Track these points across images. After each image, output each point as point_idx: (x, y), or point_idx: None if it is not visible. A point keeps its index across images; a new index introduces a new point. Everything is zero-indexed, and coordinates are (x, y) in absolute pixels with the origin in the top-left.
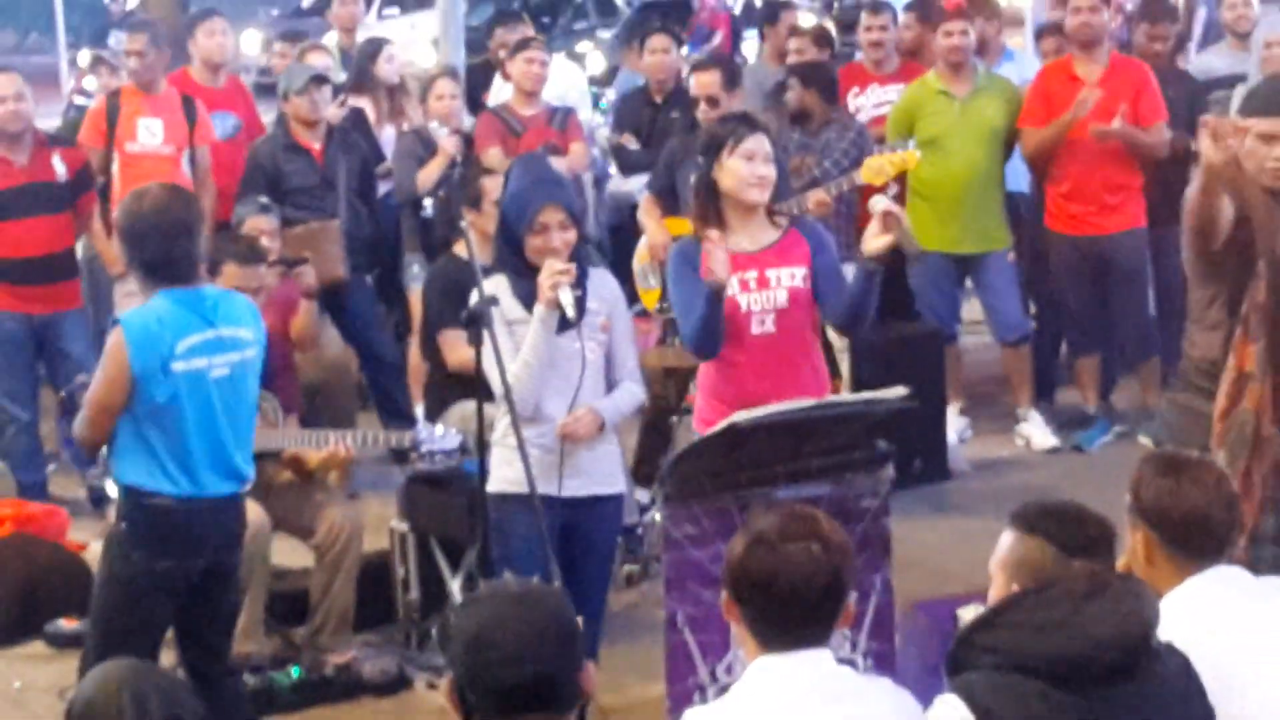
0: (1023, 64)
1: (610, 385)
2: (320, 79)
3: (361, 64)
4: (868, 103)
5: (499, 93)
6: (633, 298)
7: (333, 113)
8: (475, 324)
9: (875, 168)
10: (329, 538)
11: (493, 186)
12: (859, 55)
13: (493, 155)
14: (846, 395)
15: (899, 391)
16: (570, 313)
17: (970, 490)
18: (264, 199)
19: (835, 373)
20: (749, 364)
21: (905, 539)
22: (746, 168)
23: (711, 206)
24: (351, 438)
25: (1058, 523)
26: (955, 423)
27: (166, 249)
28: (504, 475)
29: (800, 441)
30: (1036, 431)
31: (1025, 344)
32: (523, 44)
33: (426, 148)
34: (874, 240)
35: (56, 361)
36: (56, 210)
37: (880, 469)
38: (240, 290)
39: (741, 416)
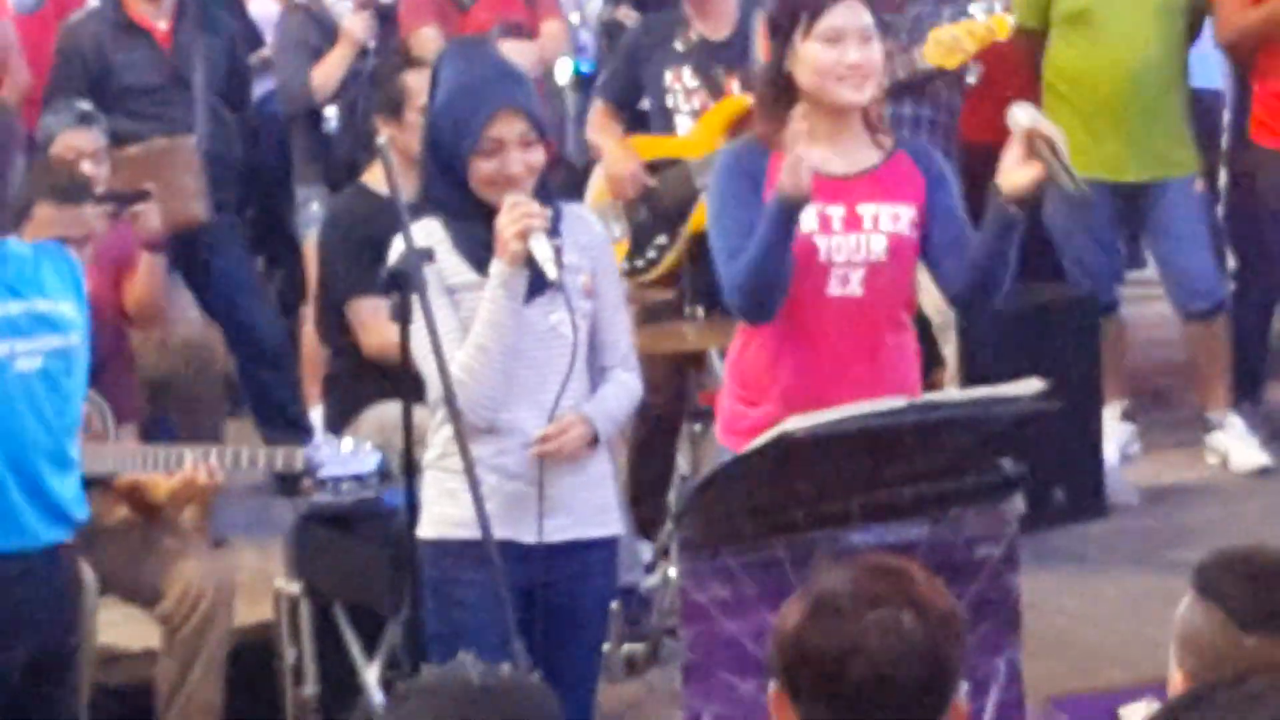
0: None
1: (596, 377)
2: None
3: None
4: None
5: None
6: None
7: None
8: (401, 289)
9: (947, 42)
10: (183, 605)
11: (420, 85)
12: None
13: (426, 38)
14: (954, 392)
15: (1033, 386)
16: (550, 271)
17: (1137, 533)
18: (84, 104)
19: (935, 360)
20: (818, 339)
21: (1041, 605)
22: (830, 53)
23: (783, 105)
24: (216, 456)
25: (1236, 581)
26: (1116, 432)
27: None
28: (445, 513)
29: (885, 461)
30: (1237, 445)
31: (1220, 317)
32: None
33: (324, 31)
34: (1015, 172)
35: None
36: None
37: (1004, 502)
38: (56, 240)
39: (796, 423)
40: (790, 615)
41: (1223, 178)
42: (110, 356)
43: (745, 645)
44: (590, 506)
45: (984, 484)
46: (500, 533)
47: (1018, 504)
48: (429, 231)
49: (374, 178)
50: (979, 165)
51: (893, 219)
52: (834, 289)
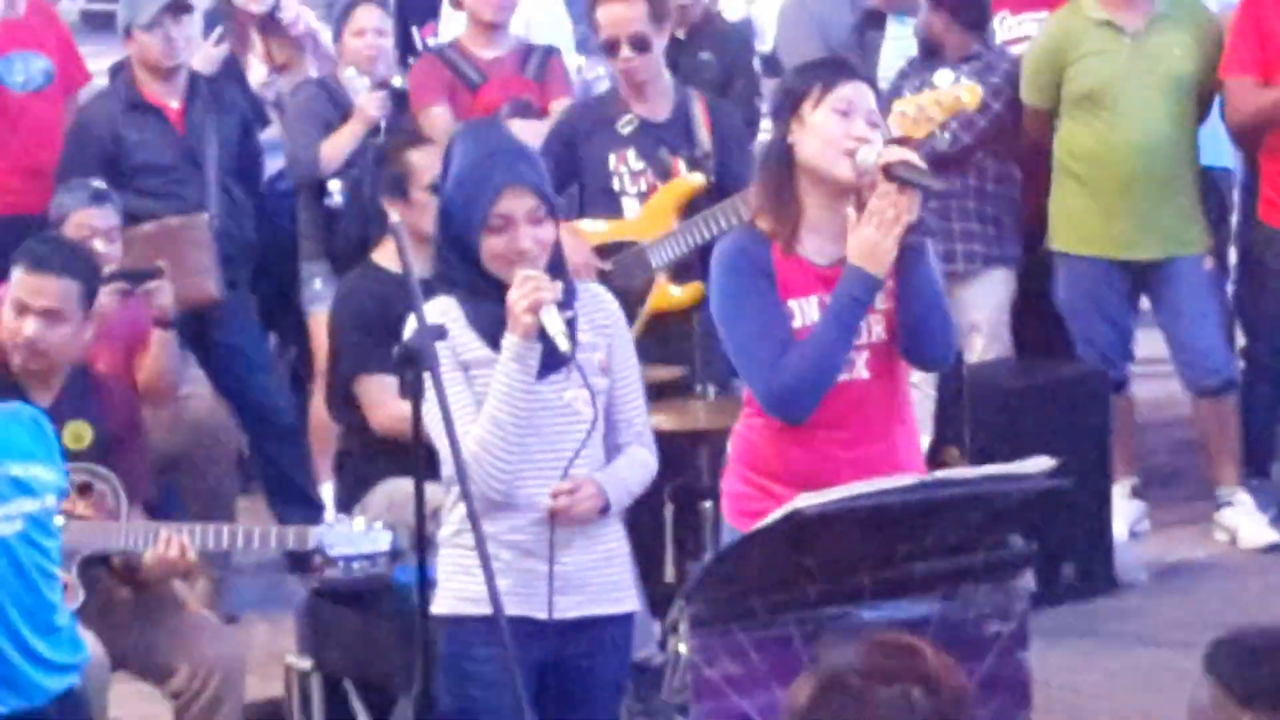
0: None
1: (611, 455)
2: (178, 6)
3: None
4: (995, 39)
5: (448, 26)
6: None
7: (204, 56)
8: (413, 367)
9: (913, 112)
10: (194, 681)
11: (425, 163)
12: None
13: (437, 117)
14: (964, 470)
15: (1042, 464)
16: (562, 344)
17: (1147, 609)
18: (97, 183)
19: (946, 437)
20: (826, 424)
21: (1052, 681)
22: (841, 124)
23: (786, 188)
24: (229, 536)
25: (1236, 658)
26: (1126, 509)
27: None
28: (459, 589)
29: (896, 538)
30: (1246, 521)
31: (1230, 393)
32: None
33: (337, 106)
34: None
35: None
36: None
37: (1015, 579)
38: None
39: (808, 500)
40: (801, 692)
41: (1232, 255)
42: (123, 434)
43: None
44: (603, 583)
45: (994, 561)
46: (513, 609)
47: (1028, 581)
48: (444, 309)
49: (384, 255)
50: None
51: (885, 295)
52: (841, 375)
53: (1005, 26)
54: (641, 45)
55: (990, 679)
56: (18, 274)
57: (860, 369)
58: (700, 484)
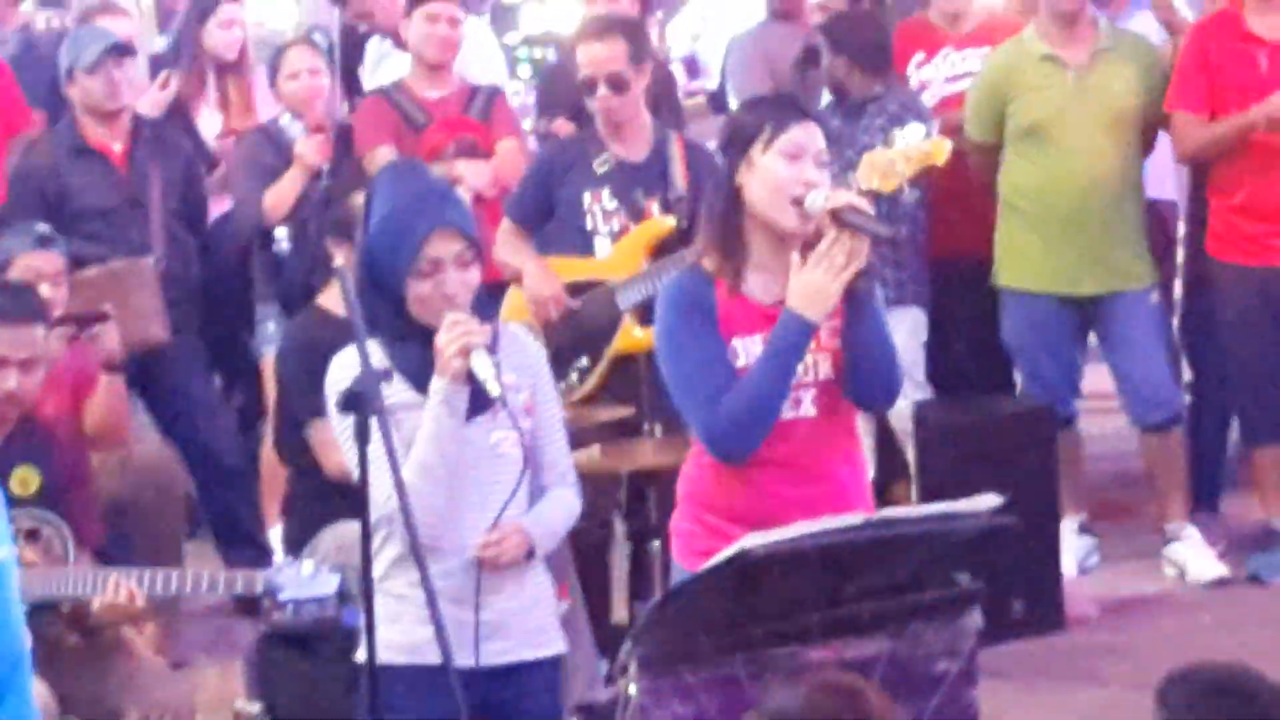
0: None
1: (535, 495)
2: (121, 49)
3: (186, 29)
4: (938, 75)
5: (383, 66)
6: None
7: (151, 100)
8: (359, 410)
9: (882, 165)
10: None
11: None
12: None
13: (382, 158)
14: (911, 509)
15: (989, 501)
16: (492, 389)
17: (1097, 646)
18: (42, 227)
19: (898, 473)
20: (777, 461)
21: (1000, 718)
22: (789, 169)
23: (732, 228)
24: (177, 581)
25: (1183, 693)
26: (1074, 545)
27: None
28: (386, 638)
29: (843, 577)
30: (1194, 556)
31: (1176, 428)
32: None
33: (279, 152)
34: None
35: None
36: None
37: (962, 616)
38: (5, 363)
39: (755, 541)
40: None
41: (1178, 289)
42: (71, 479)
43: None
44: (528, 628)
45: (942, 599)
46: (436, 657)
47: (976, 618)
48: (353, 356)
49: (329, 300)
50: (944, 279)
51: (832, 334)
52: (787, 413)
53: (949, 62)
54: (619, 86)
55: (938, 718)
56: None
57: (807, 407)
58: (649, 524)
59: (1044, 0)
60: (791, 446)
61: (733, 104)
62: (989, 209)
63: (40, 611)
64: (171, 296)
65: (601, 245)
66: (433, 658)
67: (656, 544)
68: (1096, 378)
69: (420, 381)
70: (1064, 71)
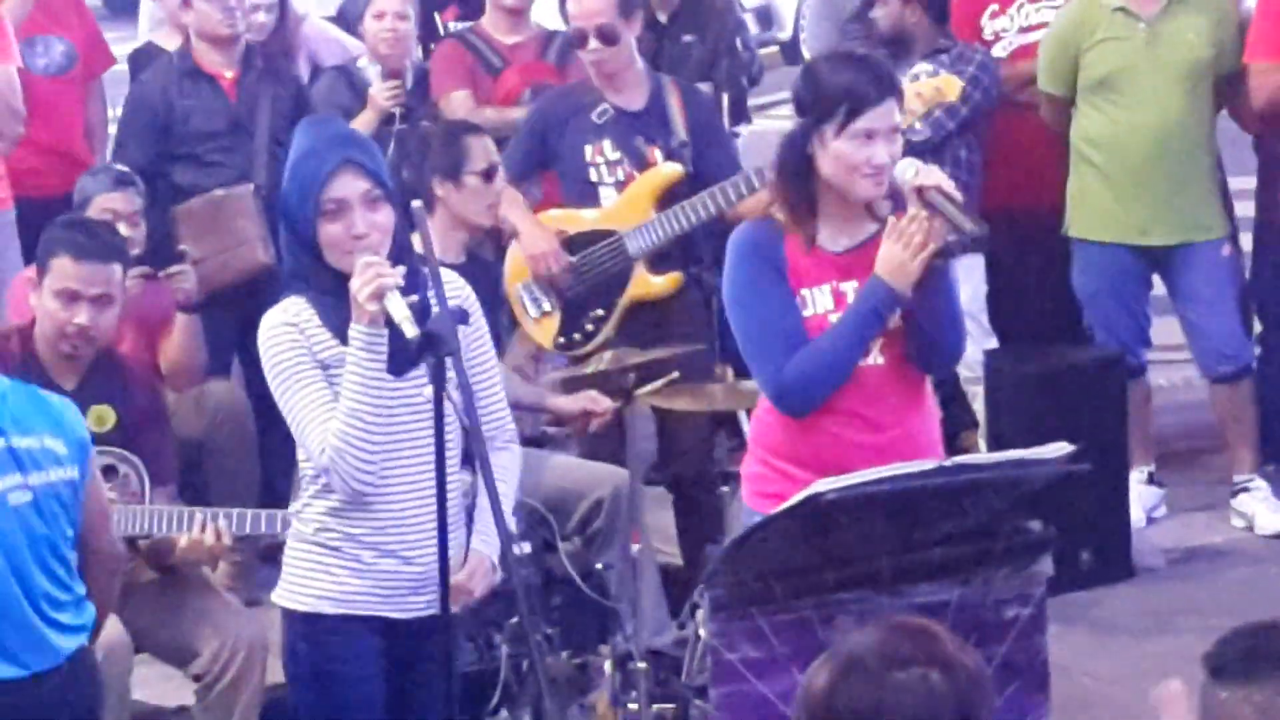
0: None
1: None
2: None
3: None
4: (1011, 26)
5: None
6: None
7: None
8: (434, 353)
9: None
10: (216, 663)
11: (480, 150)
12: None
13: (458, 102)
14: (982, 455)
15: (1060, 449)
16: (407, 330)
17: (1165, 595)
18: (120, 168)
19: (968, 421)
20: (843, 408)
21: (1070, 667)
22: (861, 152)
23: (803, 187)
24: (236, 519)
25: (1229, 643)
26: (1143, 495)
27: None
28: (319, 588)
29: (914, 524)
30: (1263, 508)
31: (1247, 379)
32: None
33: (356, 93)
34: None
35: None
36: None
37: (1033, 564)
38: (78, 297)
39: (826, 485)
40: (818, 676)
41: (1247, 242)
42: (147, 417)
43: (776, 705)
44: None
45: (1012, 546)
46: (369, 610)
47: (1046, 566)
48: (295, 309)
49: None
50: (1004, 231)
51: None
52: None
53: (1023, 14)
54: (609, 37)
55: (1008, 663)
56: (62, 263)
57: (875, 355)
58: (716, 468)
59: None
60: (860, 394)
61: (805, 54)
62: (1056, 160)
63: None
64: (275, 223)
65: (607, 195)
66: (363, 609)
67: (725, 489)
68: (1166, 329)
69: (345, 335)
70: (1136, 23)
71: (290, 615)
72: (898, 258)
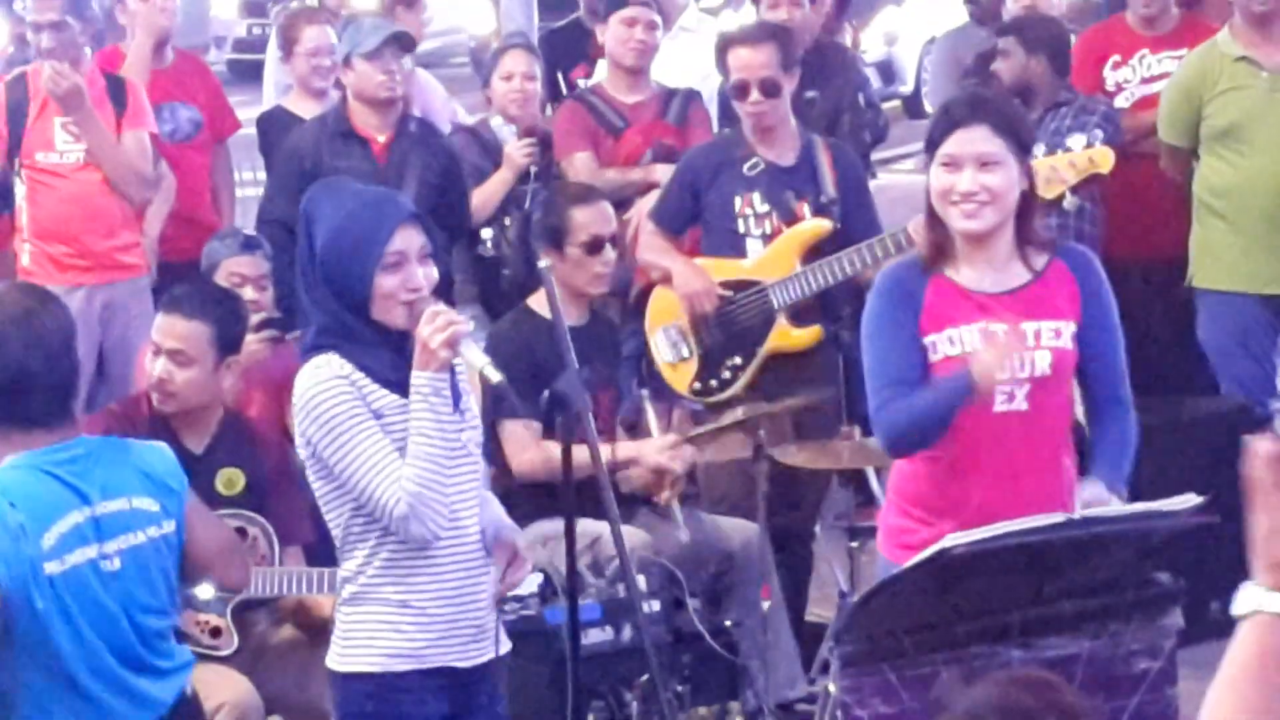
0: None
1: None
2: (401, 40)
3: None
4: (1133, 77)
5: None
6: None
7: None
8: (562, 411)
9: (1045, 173)
10: None
11: (585, 221)
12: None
13: (580, 164)
14: (1112, 507)
15: (1190, 501)
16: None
17: None
18: (249, 232)
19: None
20: (985, 455)
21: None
22: (945, 179)
23: (936, 221)
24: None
25: None
26: None
27: (18, 379)
28: (387, 646)
29: (1044, 576)
30: None
31: None
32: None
33: (487, 152)
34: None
35: None
36: None
37: (1163, 616)
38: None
39: (956, 540)
40: None
41: None
42: (275, 478)
43: None
44: (490, 628)
45: (1143, 598)
46: (437, 661)
47: (1175, 618)
48: (337, 363)
49: (538, 302)
50: (1124, 282)
51: (1054, 334)
52: (1000, 405)
53: (1144, 64)
54: (771, 90)
55: (1139, 716)
56: (157, 318)
57: (1020, 401)
58: (844, 523)
59: (1238, 3)
60: (1003, 440)
61: (927, 107)
62: (1177, 210)
63: (247, 609)
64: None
65: (753, 247)
66: (433, 661)
67: (854, 543)
68: None
69: (391, 384)
70: (1259, 72)
71: (354, 679)
72: (987, 366)
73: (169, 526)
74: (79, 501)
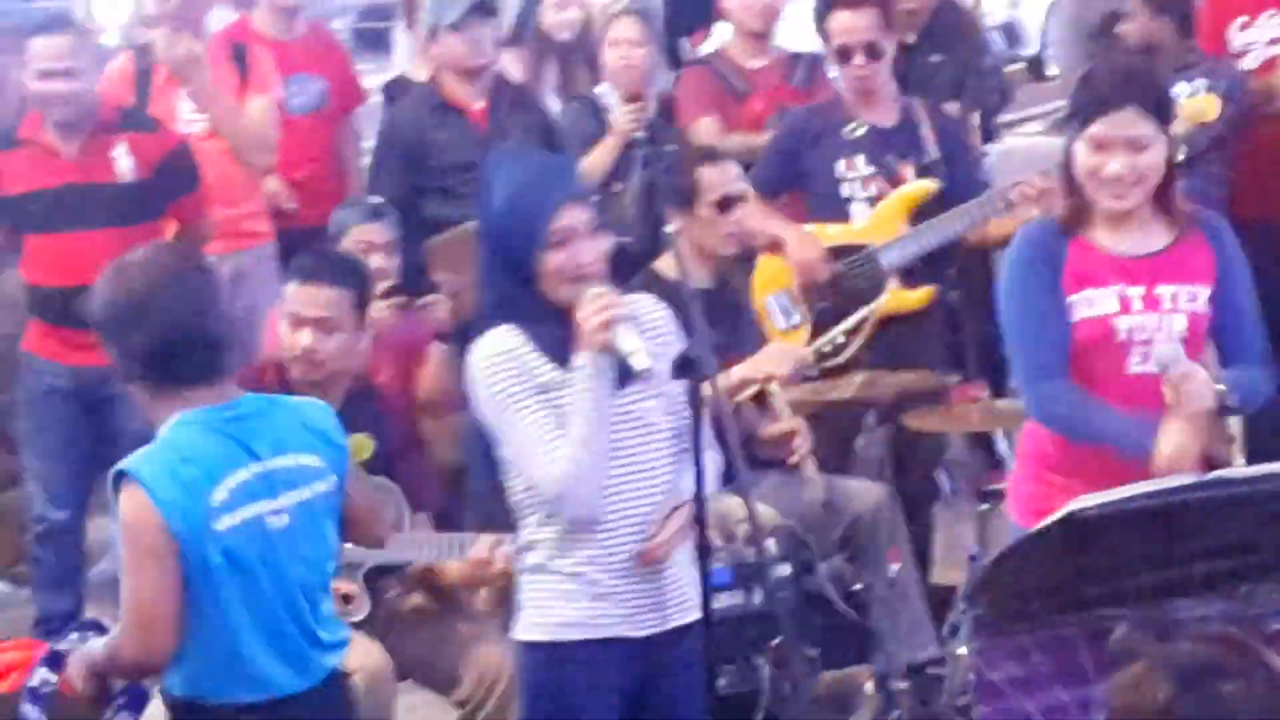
0: None
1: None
2: (484, 8)
3: (526, 9)
4: (1261, 37)
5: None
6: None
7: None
8: (691, 375)
9: None
10: (480, 689)
11: (715, 180)
12: None
13: (704, 129)
14: (1241, 469)
15: None
16: (640, 360)
17: None
18: (375, 200)
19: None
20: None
21: None
22: (1092, 159)
23: (1075, 187)
24: (510, 543)
25: None
26: None
27: (177, 337)
28: (560, 616)
29: (1175, 539)
30: None
31: None
32: None
33: (599, 121)
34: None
35: (109, 440)
36: (118, 222)
37: None
38: (301, 321)
39: (1086, 501)
40: (1153, 689)
41: None
42: (403, 446)
43: None
44: (683, 586)
45: (1274, 560)
46: (611, 631)
47: None
48: (508, 337)
49: (664, 264)
50: (1254, 244)
51: (1190, 297)
52: (1134, 366)
53: (1273, 24)
54: (874, 53)
55: None
56: (291, 288)
57: (1154, 363)
58: (970, 486)
59: None
60: (1136, 401)
61: (1050, 70)
62: None
63: (378, 576)
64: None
65: (858, 210)
66: (606, 631)
67: (984, 506)
68: None
69: (560, 360)
70: None
71: (532, 647)
72: (1177, 448)
73: (332, 481)
74: (247, 457)
